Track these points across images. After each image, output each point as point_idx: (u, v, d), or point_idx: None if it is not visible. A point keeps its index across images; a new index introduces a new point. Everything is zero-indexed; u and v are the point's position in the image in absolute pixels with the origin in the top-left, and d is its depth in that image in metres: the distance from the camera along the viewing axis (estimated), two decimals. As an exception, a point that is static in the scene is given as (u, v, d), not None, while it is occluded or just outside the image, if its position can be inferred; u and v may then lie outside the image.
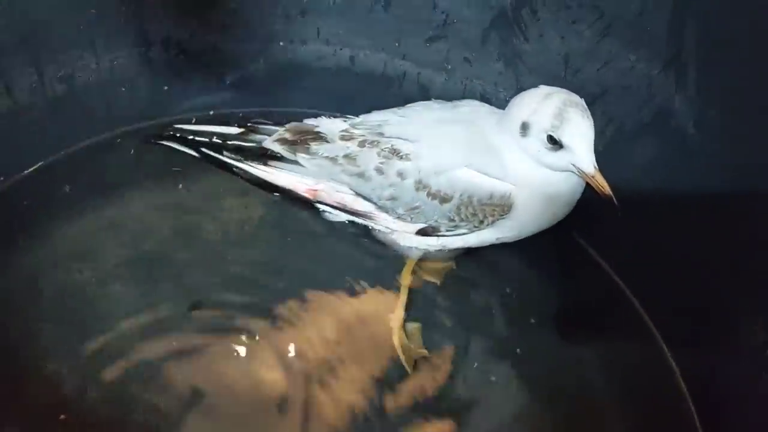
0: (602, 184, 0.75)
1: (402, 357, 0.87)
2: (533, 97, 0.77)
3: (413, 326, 0.90)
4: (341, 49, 1.01)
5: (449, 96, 0.98)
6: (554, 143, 0.75)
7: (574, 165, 0.75)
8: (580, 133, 0.74)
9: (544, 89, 0.78)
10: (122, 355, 0.84)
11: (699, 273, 0.84)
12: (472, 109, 0.86)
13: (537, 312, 0.92)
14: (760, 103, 0.75)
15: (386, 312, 0.90)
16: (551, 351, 0.90)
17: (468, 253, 0.93)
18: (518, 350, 0.89)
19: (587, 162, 0.74)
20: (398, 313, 0.89)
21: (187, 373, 0.84)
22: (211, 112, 1.04)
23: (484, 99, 0.97)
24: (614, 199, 0.75)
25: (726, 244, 0.81)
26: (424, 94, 1.01)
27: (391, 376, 0.86)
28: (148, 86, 1.01)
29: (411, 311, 0.90)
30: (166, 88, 1.02)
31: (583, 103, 0.76)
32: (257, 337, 0.87)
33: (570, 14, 0.87)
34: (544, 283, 0.95)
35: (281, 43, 1.01)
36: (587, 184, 0.77)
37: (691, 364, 0.86)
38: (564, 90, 0.77)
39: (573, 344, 0.91)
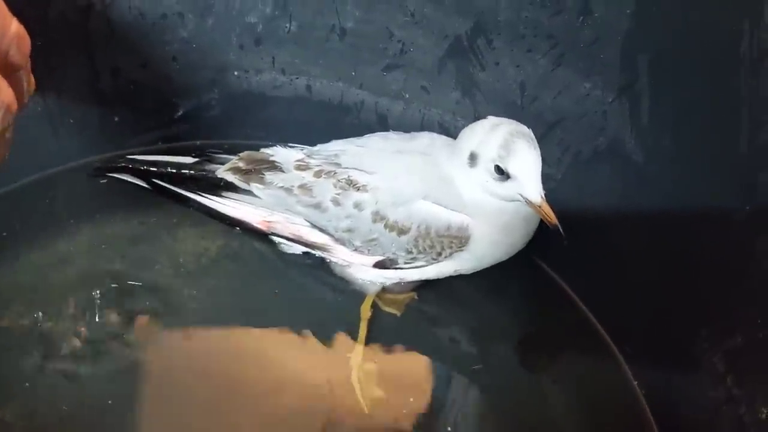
0: (549, 214, 0.75)
1: (360, 395, 0.85)
2: (481, 127, 0.78)
3: (370, 366, 0.87)
4: (297, 78, 1.00)
5: (408, 124, 0.98)
6: (501, 173, 0.75)
7: (521, 195, 0.75)
8: (526, 163, 0.74)
9: (492, 120, 0.78)
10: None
11: (657, 296, 0.85)
12: (429, 140, 0.86)
13: (499, 339, 0.92)
14: (710, 132, 0.76)
15: (345, 347, 0.88)
16: (513, 378, 0.89)
17: (427, 282, 0.91)
18: (481, 380, 0.88)
19: (534, 192, 0.74)
20: (358, 350, 0.88)
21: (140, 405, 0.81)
22: (163, 144, 1.02)
23: (443, 127, 0.97)
24: (560, 228, 0.75)
25: (680, 269, 0.82)
26: (382, 122, 1.00)
27: (349, 416, 0.83)
28: (98, 118, 0.98)
29: (369, 344, 0.88)
30: (116, 119, 0.99)
31: (531, 133, 0.76)
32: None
33: (525, 43, 0.87)
34: (504, 309, 0.94)
35: (236, 73, 1.00)
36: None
37: (654, 388, 0.86)
38: (512, 121, 0.77)
39: (536, 370, 0.90)
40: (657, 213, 0.83)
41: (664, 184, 0.81)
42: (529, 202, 0.75)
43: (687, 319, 0.81)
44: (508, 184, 0.75)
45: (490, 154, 0.75)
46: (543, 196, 0.75)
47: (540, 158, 0.75)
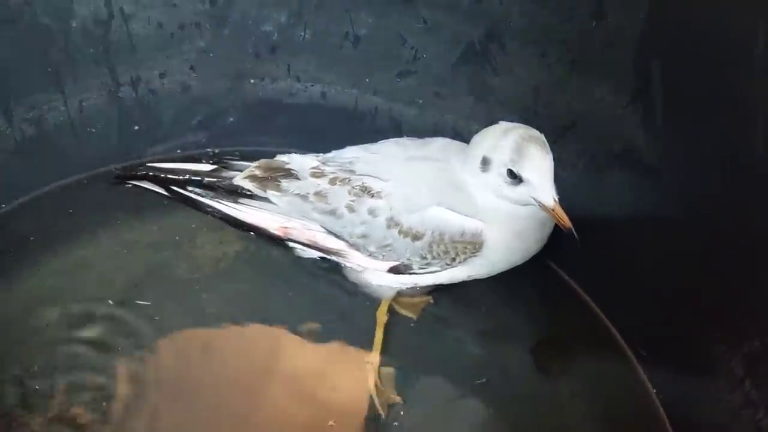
0: (562, 217, 0.75)
1: (376, 400, 0.85)
2: (492, 132, 0.78)
3: (387, 370, 0.88)
4: (312, 86, 1.01)
5: (422, 129, 0.99)
6: (514, 177, 0.75)
7: (534, 198, 0.75)
8: (539, 166, 0.74)
9: (503, 125, 0.78)
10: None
11: (673, 300, 0.84)
12: (442, 146, 0.86)
13: (514, 343, 0.92)
14: (726, 135, 0.75)
15: (362, 351, 0.89)
16: (528, 382, 0.89)
17: (442, 285, 0.91)
18: (497, 384, 0.87)
19: (547, 195, 0.74)
20: (374, 354, 0.88)
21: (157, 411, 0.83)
22: (181, 152, 1.04)
23: (456, 132, 0.97)
24: (574, 231, 0.75)
25: (699, 276, 0.81)
26: (396, 128, 1.01)
27: (366, 420, 0.84)
28: (118, 127, 1.00)
29: (386, 349, 0.89)
30: (136, 128, 1.01)
31: (543, 137, 0.76)
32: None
33: (538, 48, 0.87)
34: (520, 312, 0.94)
35: (252, 81, 1.01)
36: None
37: (670, 392, 0.86)
38: (523, 125, 0.77)
39: (551, 374, 0.90)
40: (672, 216, 0.83)
41: (678, 187, 0.81)
42: (542, 206, 0.75)
43: (704, 322, 0.80)
44: (521, 188, 0.75)
45: (502, 158, 0.75)
46: (556, 199, 0.75)
47: (552, 162, 0.74)
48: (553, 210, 0.75)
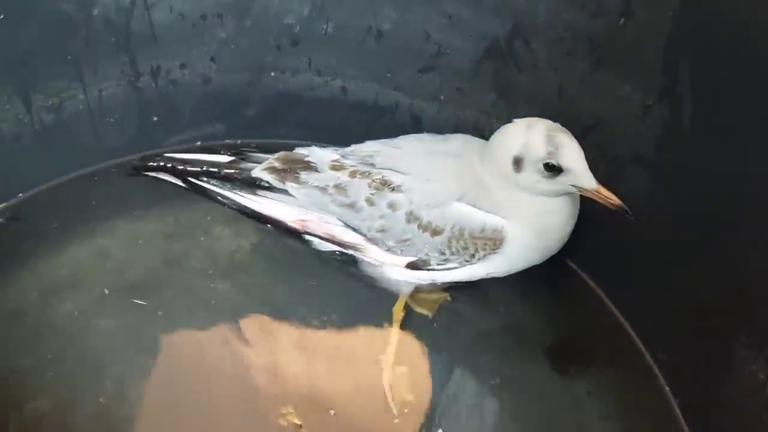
0: (609, 196, 0.76)
1: (390, 399, 0.85)
2: (515, 131, 0.77)
3: (401, 368, 0.87)
4: (333, 80, 1.00)
5: (442, 126, 0.98)
6: (552, 170, 0.75)
7: (575, 186, 0.75)
8: (574, 153, 0.75)
9: (521, 122, 0.78)
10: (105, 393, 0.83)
11: (694, 302, 0.83)
12: (463, 142, 0.85)
13: (531, 343, 0.91)
14: (755, 136, 0.74)
15: (377, 347, 0.88)
16: (545, 383, 0.88)
17: (461, 283, 0.90)
18: (512, 384, 0.87)
19: (589, 179, 0.75)
20: (390, 352, 0.87)
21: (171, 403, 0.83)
22: (201, 143, 1.04)
23: (477, 129, 0.96)
24: (625, 206, 0.76)
25: (722, 278, 0.79)
26: (416, 124, 1.00)
27: (380, 417, 0.83)
28: (137, 117, 1.00)
29: (401, 346, 0.88)
30: (155, 119, 1.01)
31: (561, 126, 0.77)
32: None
33: (563, 45, 0.86)
34: (538, 312, 0.94)
35: (272, 74, 1.00)
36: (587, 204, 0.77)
37: (689, 397, 0.84)
38: (540, 118, 0.77)
39: (568, 375, 0.89)
40: (695, 218, 0.81)
41: (704, 188, 0.80)
42: (584, 190, 0.76)
43: (725, 325, 0.79)
44: (560, 178, 0.75)
45: (537, 154, 0.75)
46: (596, 181, 0.75)
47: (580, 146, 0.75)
48: (596, 192, 0.75)
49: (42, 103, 0.94)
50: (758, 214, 0.75)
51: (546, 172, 0.75)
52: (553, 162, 0.74)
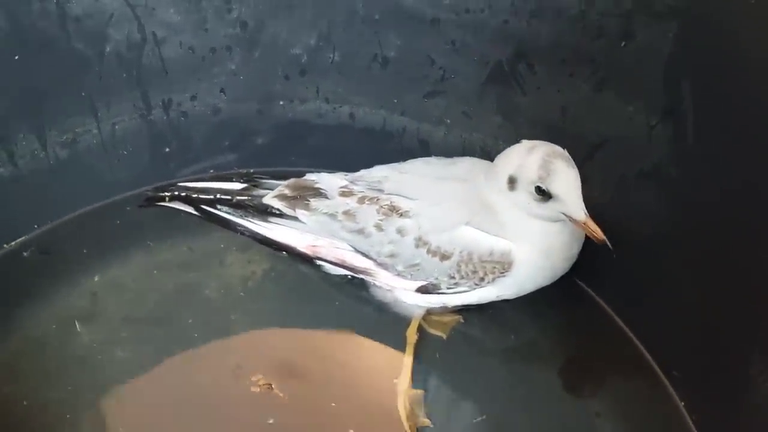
0: (595, 230, 0.75)
1: (405, 424, 0.84)
2: (516, 151, 0.78)
3: (416, 392, 0.87)
4: (341, 107, 1.02)
5: (450, 149, 0.99)
6: (543, 194, 0.75)
7: (564, 214, 0.76)
8: (566, 182, 0.75)
9: (526, 143, 0.78)
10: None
11: (706, 320, 0.82)
12: (470, 165, 0.86)
13: (543, 363, 0.91)
14: (758, 154, 0.74)
15: (391, 370, 0.88)
16: (558, 404, 0.88)
17: (472, 305, 0.91)
18: (525, 405, 0.86)
19: (577, 209, 0.75)
20: (404, 376, 0.87)
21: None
22: (212, 173, 1.05)
23: (484, 152, 0.97)
24: (608, 242, 0.75)
25: (733, 293, 0.79)
26: (424, 147, 1.01)
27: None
28: (150, 149, 1.02)
29: (415, 370, 0.88)
30: (167, 150, 1.03)
31: (566, 153, 0.77)
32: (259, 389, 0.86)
33: (566, 68, 0.87)
34: (549, 333, 0.93)
35: (281, 103, 1.02)
36: (586, 236, 0.77)
37: (705, 415, 0.84)
38: (546, 143, 0.78)
39: (581, 395, 0.89)
40: (703, 236, 0.81)
41: (710, 206, 0.80)
42: (573, 220, 0.76)
43: (739, 342, 0.78)
44: (550, 204, 0.76)
45: (530, 176, 0.75)
46: (586, 213, 0.75)
47: (579, 176, 0.75)
48: (584, 223, 0.75)
49: (57, 138, 0.96)
50: (766, 228, 0.75)
51: (537, 196, 0.76)
52: (544, 187, 0.75)
